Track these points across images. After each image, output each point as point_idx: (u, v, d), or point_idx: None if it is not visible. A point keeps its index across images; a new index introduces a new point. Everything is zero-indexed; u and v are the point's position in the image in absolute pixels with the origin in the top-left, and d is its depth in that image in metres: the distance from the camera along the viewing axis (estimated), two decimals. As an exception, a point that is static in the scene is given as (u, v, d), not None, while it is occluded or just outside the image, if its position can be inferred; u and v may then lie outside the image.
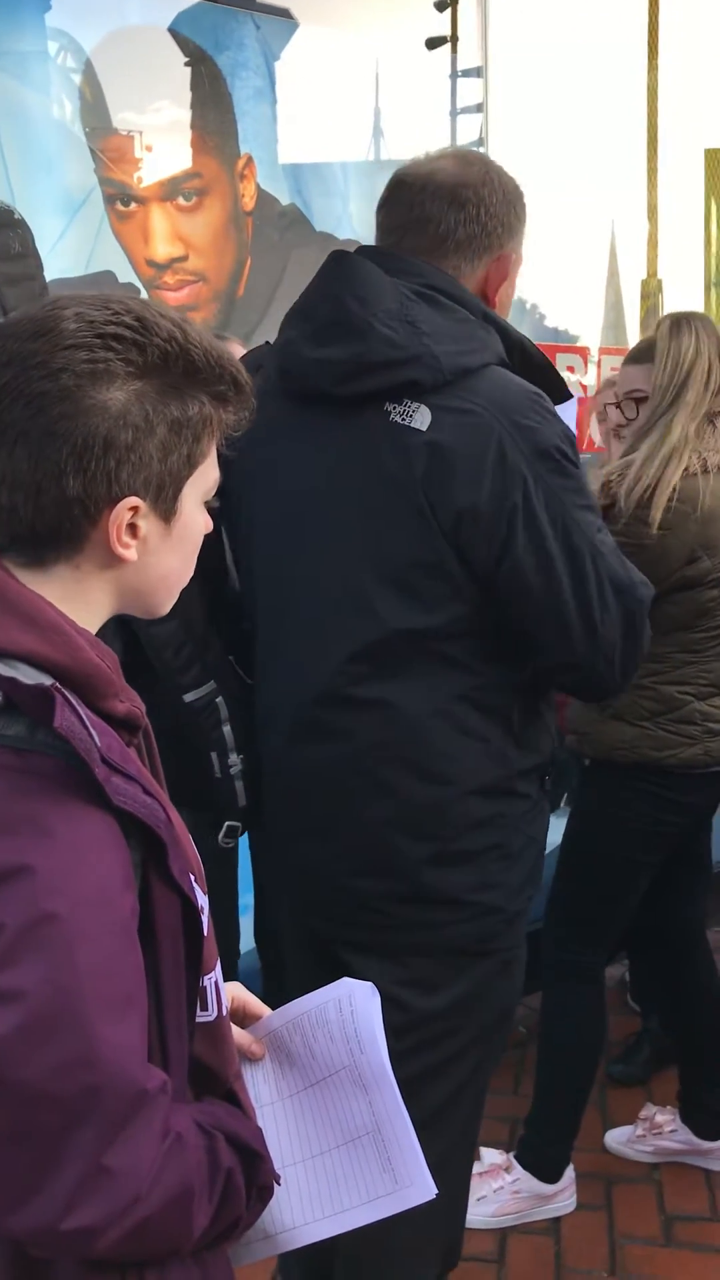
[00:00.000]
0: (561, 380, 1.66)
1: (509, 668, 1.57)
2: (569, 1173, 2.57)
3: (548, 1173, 2.54)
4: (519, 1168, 2.56)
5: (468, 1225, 2.55)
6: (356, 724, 1.54)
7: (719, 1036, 2.59)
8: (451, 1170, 1.72)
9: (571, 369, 3.35)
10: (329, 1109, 1.17)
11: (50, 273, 2.89)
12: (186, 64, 3.09)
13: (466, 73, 3.71)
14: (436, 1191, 1.22)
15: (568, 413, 1.65)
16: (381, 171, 3.52)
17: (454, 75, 3.72)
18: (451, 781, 1.54)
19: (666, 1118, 2.69)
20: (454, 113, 3.76)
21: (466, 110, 3.73)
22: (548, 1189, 2.53)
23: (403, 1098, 1.60)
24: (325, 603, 1.54)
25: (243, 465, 1.59)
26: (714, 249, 4.07)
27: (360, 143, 3.57)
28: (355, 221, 3.50)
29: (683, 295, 3.96)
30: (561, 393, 1.65)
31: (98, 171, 3.02)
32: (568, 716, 2.45)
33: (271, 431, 1.54)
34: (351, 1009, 1.15)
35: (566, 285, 3.54)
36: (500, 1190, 2.55)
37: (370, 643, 1.51)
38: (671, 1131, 2.64)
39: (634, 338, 3.86)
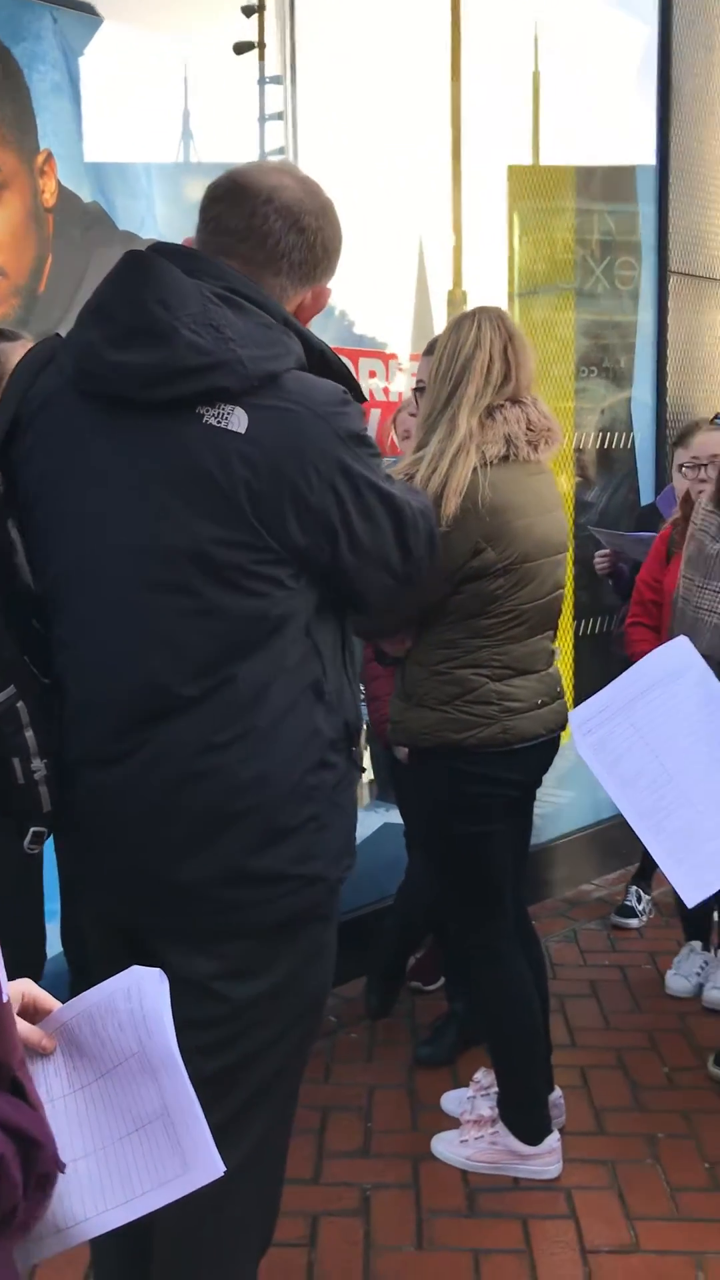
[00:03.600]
0: (359, 387, 1.72)
1: (322, 635, 1.63)
2: (552, 1140, 2.66)
3: (527, 1135, 2.64)
4: (503, 1125, 2.66)
5: (446, 1160, 2.70)
6: (176, 710, 1.56)
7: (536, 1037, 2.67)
8: (270, 1155, 1.75)
9: (374, 374, 3.43)
10: (119, 1097, 1.17)
11: None
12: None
13: (273, 79, 3.75)
14: (224, 1169, 1.24)
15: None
16: (189, 174, 3.54)
17: (262, 81, 3.76)
18: (270, 758, 1.57)
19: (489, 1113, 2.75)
20: (262, 119, 3.80)
21: (273, 117, 3.77)
22: (525, 1149, 2.64)
23: (223, 1085, 1.63)
24: (138, 601, 1.55)
25: (39, 466, 1.60)
26: (517, 262, 4.23)
27: (168, 144, 3.56)
28: (160, 222, 3.50)
29: (501, 303, 4.11)
30: (358, 396, 1.72)
31: None
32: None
33: (70, 432, 1.56)
34: (140, 995, 1.15)
35: (375, 294, 3.62)
36: (480, 1138, 2.68)
37: (191, 636, 1.54)
38: (494, 1134, 2.70)
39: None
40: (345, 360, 1.74)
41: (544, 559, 2.40)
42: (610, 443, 4.58)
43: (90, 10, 3.24)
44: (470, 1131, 2.71)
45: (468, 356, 2.33)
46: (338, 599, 1.67)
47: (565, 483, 4.38)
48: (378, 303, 3.63)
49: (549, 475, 2.49)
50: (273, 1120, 1.72)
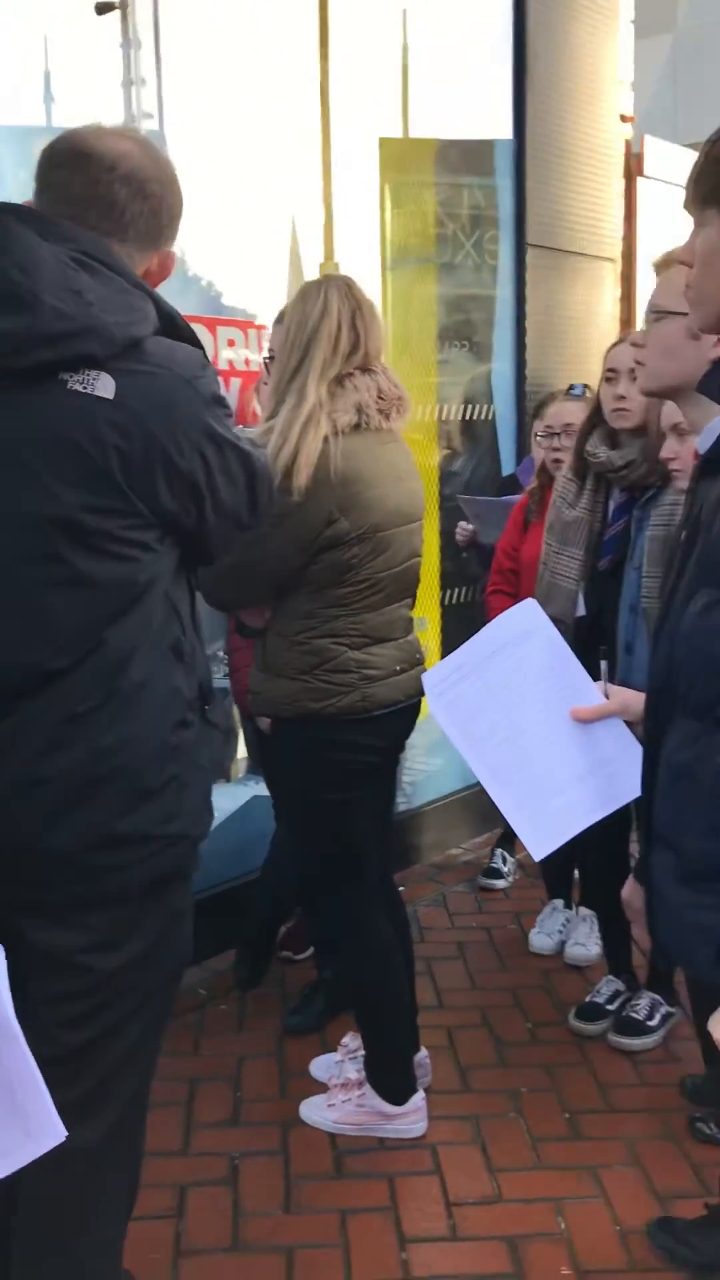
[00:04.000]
0: (204, 351, 1.72)
1: (179, 596, 1.64)
2: (417, 1099, 2.70)
3: (393, 1096, 2.68)
4: (369, 1087, 2.69)
5: (314, 1125, 2.72)
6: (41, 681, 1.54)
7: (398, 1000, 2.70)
8: (134, 1121, 1.76)
9: (233, 343, 3.39)
10: None
11: None
12: None
13: (137, 44, 3.66)
14: (66, 1134, 1.24)
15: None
16: (50, 137, 3.44)
17: (126, 45, 3.67)
18: (135, 721, 1.57)
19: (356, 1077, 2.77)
20: (127, 83, 3.71)
21: (139, 83, 3.69)
22: (391, 1109, 2.68)
23: (88, 1056, 1.62)
24: (4, 573, 1.52)
25: None
26: (389, 234, 4.24)
27: (30, 106, 3.45)
28: (11, 186, 3.40)
29: (360, 279, 4.09)
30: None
31: None
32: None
33: None
34: None
35: (245, 264, 3.57)
36: (348, 1101, 2.71)
37: (60, 602, 1.52)
38: (360, 1096, 2.74)
39: None
40: (201, 327, 1.76)
41: (398, 527, 2.42)
42: (473, 415, 4.63)
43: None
44: (337, 1095, 2.75)
45: (315, 325, 2.33)
46: (189, 558, 1.68)
47: (429, 454, 4.42)
48: (248, 273, 3.59)
49: (402, 444, 2.51)
50: (136, 1086, 1.73)
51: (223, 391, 1.65)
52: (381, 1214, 2.45)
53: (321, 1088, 2.84)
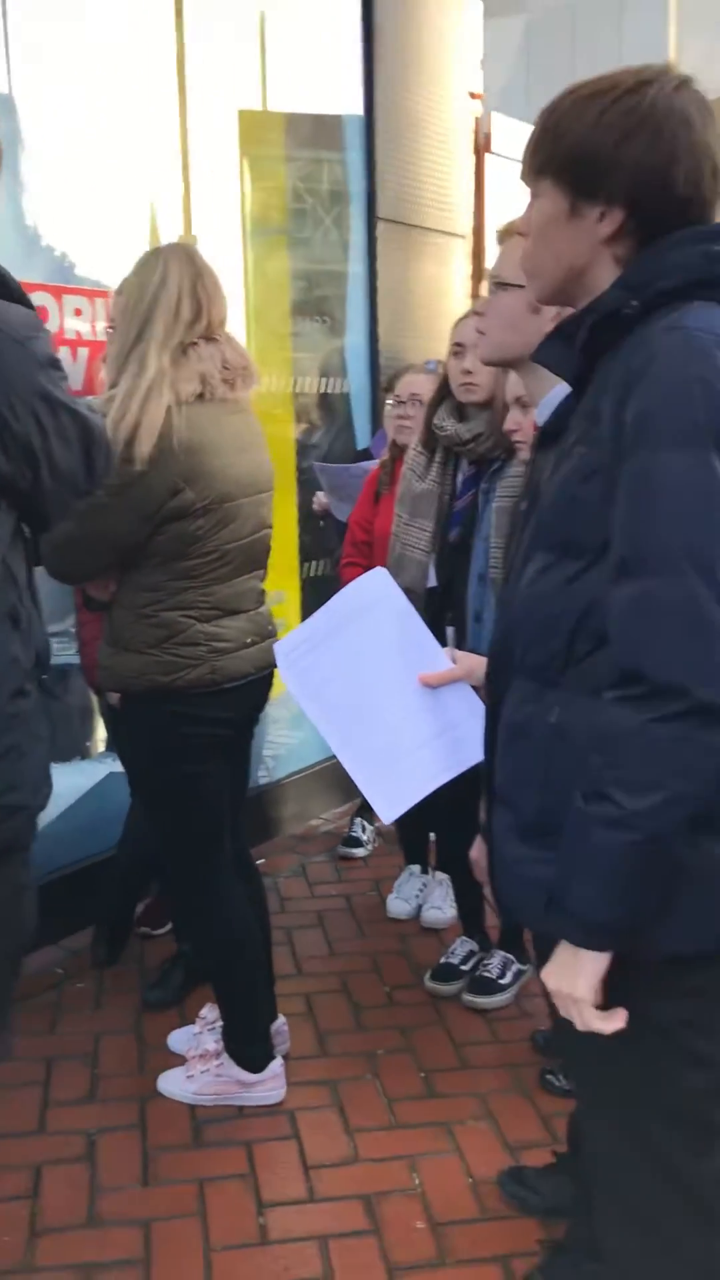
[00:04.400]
0: (35, 313, 1.70)
1: (16, 562, 1.61)
2: (275, 1066, 2.71)
3: (250, 1064, 2.69)
4: (227, 1057, 2.69)
5: (172, 1097, 2.72)
6: None
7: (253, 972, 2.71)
8: None
9: (80, 312, 3.32)
10: None
11: None
12: None
13: None
14: None
15: None
16: None
17: None
18: None
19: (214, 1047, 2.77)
20: None
21: None
22: (249, 1077, 2.69)
23: None
24: None
25: None
26: (247, 207, 4.20)
27: None
28: None
29: (219, 251, 4.06)
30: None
31: None
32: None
33: None
34: None
35: (99, 235, 3.48)
36: (206, 1072, 2.70)
37: None
38: (219, 1066, 2.74)
39: None
40: (47, 296, 1.72)
41: (245, 498, 2.42)
42: (328, 388, 4.64)
43: None
44: (195, 1066, 2.75)
45: (154, 294, 2.31)
46: (26, 523, 1.66)
47: (286, 427, 4.42)
48: (102, 244, 3.50)
49: (248, 414, 2.50)
50: None
51: (56, 354, 1.62)
52: (240, 1181, 2.47)
53: (180, 1061, 2.84)
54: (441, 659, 1.93)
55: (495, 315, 1.96)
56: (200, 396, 2.34)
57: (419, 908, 3.67)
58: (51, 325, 3.20)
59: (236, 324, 4.06)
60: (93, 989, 3.24)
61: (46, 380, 1.57)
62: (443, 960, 3.28)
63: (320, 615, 2.04)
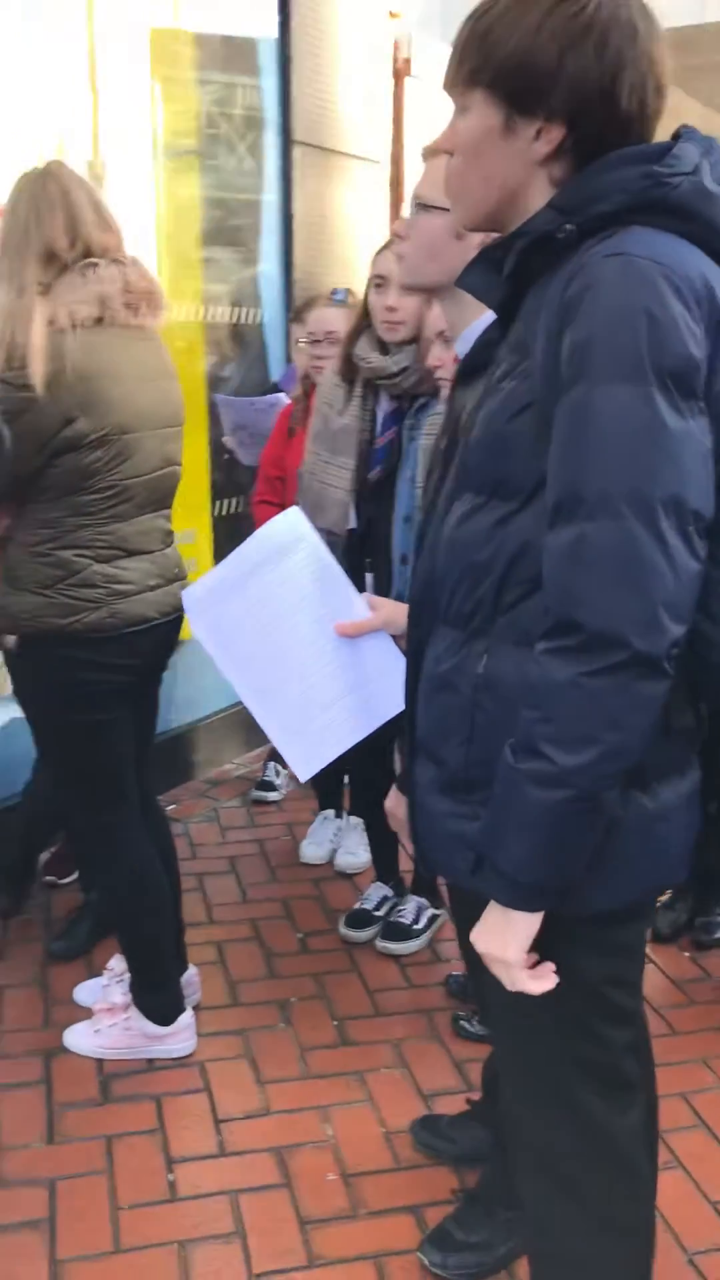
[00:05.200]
0: None
1: None
2: (185, 1019, 2.65)
3: (159, 1017, 2.62)
4: (135, 1009, 2.61)
5: (79, 1052, 2.64)
6: None
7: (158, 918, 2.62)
8: None
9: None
10: None
11: None
12: None
13: None
14: None
15: None
16: None
17: None
18: None
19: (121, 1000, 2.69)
20: None
21: None
22: (159, 1030, 2.62)
23: None
24: None
25: None
26: (159, 130, 4.00)
27: None
28: None
29: (130, 174, 3.86)
30: None
31: None
32: None
33: None
34: None
35: (7, 159, 3.27)
36: (114, 1025, 2.65)
37: None
38: (127, 1020, 2.66)
39: None
40: None
41: (147, 430, 2.29)
42: (240, 319, 4.48)
43: None
44: (103, 1020, 2.68)
45: (14, 217, 2.18)
46: None
47: (197, 359, 4.25)
48: (8, 166, 3.30)
49: (156, 343, 2.37)
50: None
51: None
52: (149, 1137, 2.41)
53: (87, 1014, 2.76)
54: (359, 607, 1.85)
55: (416, 239, 1.85)
56: (99, 321, 2.20)
57: (333, 853, 3.62)
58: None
59: (147, 252, 3.88)
60: (-4, 940, 3.14)
61: None
62: (357, 906, 3.24)
63: (232, 560, 1.93)
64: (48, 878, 3.40)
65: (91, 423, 2.19)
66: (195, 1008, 2.78)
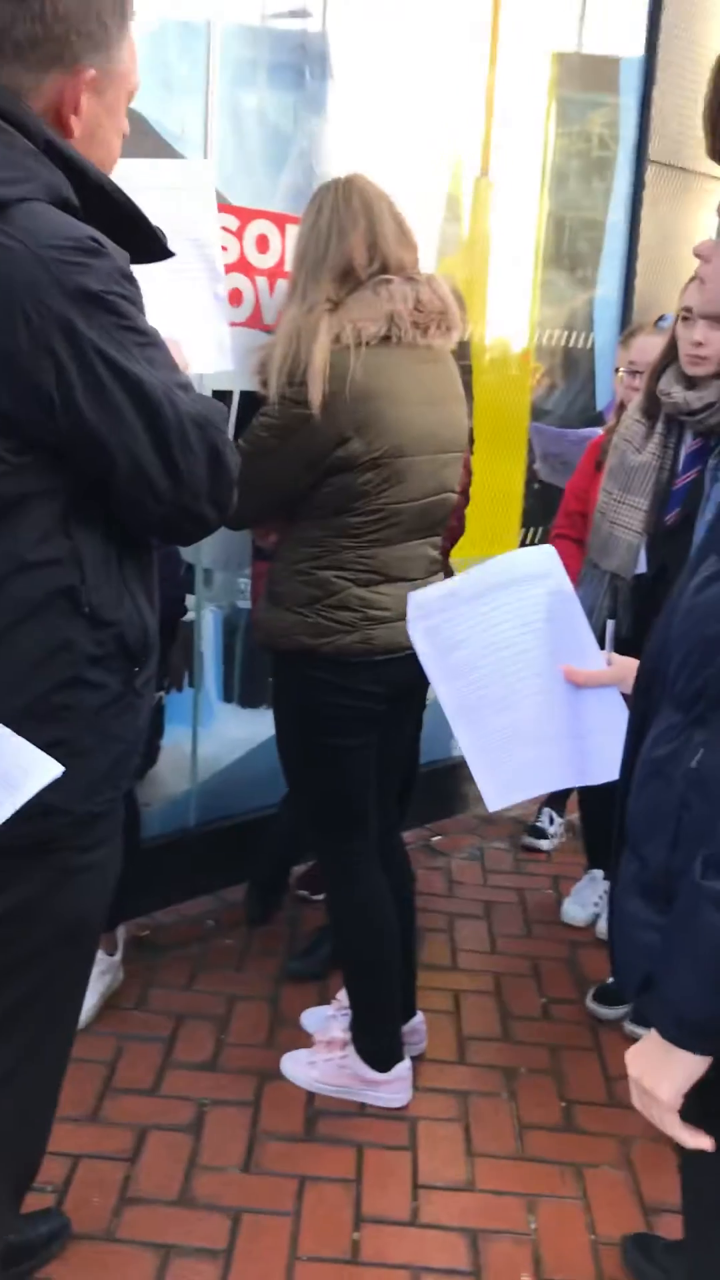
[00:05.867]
0: (155, 233, 1.47)
1: (86, 538, 1.40)
2: (402, 1068, 2.54)
3: (375, 1061, 2.52)
4: (353, 1049, 2.54)
5: (293, 1080, 2.58)
6: None
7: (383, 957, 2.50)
8: (21, 1085, 1.61)
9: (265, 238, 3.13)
10: None
11: None
12: None
13: None
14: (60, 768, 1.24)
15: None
16: (174, 29, 3.22)
17: None
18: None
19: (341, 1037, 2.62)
20: None
21: None
22: (374, 1075, 2.52)
23: None
24: None
25: None
26: (550, 153, 3.97)
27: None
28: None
29: (517, 195, 3.85)
30: (158, 249, 1.49)
31: None
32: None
33: None
34: None
35: (403, 176, 3.34)
36: (330, 1061, 2.57)
37: None
38: (343, 1058, 2.58)
39: (466, 233, 3.75)
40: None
41: (424, 455, 2.19)
42: (573, 343, 4.32)
43: None
44: (320, 1052, 2.61)
45: (313, 230, 2.13)
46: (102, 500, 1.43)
47: (523, 383, 4.13)
48: (407, 186, 3.36)
49: (444, 364, 2.27)
50: (25, 1050, 1.57)
51: (118, 291, 1.33)
52: (343, 1186, 2.30)
53: (309, 1041, 2.70)
54: (594, 656, 1.67)
55: (718, 263, 1.64)
56: (386, 339, 2.12)
57: (596, 916, 3.39)
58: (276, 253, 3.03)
59: (528, 270, 3.92)
60: (238, 947, 3.15)
61: (78, 315, 1.28)
62: (610, 981, 3.00)
63: (468, 576, 1.81)
64: (300, 891, 3.38)
65: (366, 444, 2.12)
66: (417, 1058, 2.65)
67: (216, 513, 1.50)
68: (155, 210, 1.47)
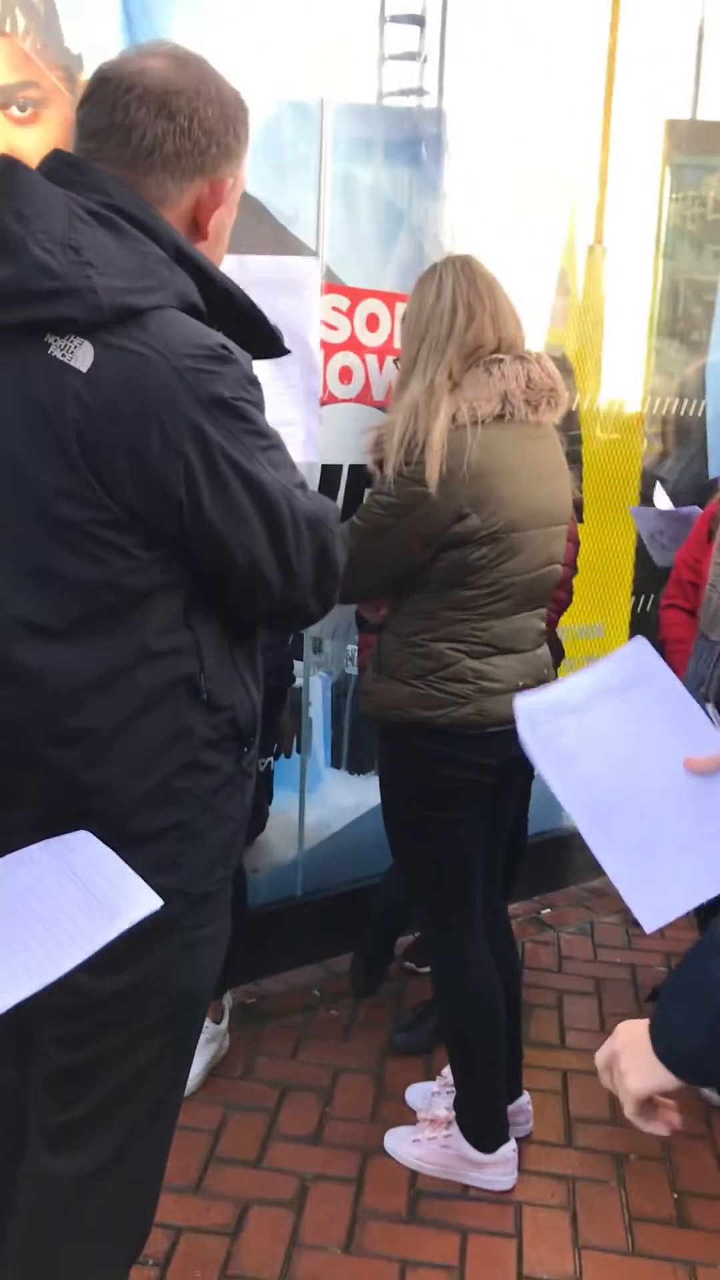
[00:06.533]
0: (273, 332, 1.52)
1: (205, 626, 1.43)
2: (507, 1150, 2.48)
3: (480, 1141, 2.47)
4: (457, 1128, 2.50)
5: (396, 1158, 2.54)
6: (12, 697, 1.39)
7: (490, 1033, 2.45)
8: (134, 1161, 1.61)
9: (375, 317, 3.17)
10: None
11: None
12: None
13: (399, 19, 3.56)
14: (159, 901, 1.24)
15: None
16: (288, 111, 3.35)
17: (382, 20, 3.57)
18: (120, 758, 1.40)
19: (444, 1115, 2.58)
20: (382, 59, 3.61)
21: (398, 57, 3.59)
22: (479, 1156, 2.47)
23: (81, 1080, 1.52)
24: None
25: None
26: (665, 219, 4.01)
27: (301, 81, 3.36)
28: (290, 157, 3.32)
29: (630, 262, 3.89)
30: (275, 346, 1.53)
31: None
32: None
33: None
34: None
35: (516, 248, 3.40)
36: (433, 1140, 2.53)
37: (31, 600, 1.36)
38: (447, 1137, 2.54)
39: (580, 301, 3.80)
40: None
41: (536, 529, 2.20)
42: (685, 410, 4.29)
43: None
44: (425, 1131, 2.56)
45: (435, 309, 2.15)
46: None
47: (634, 451, 4.12)
48: (520, 254, 3.42)
49: (551, 440, 2.27)
50: (137, 1123, 1.57)
51: (244, 396, 1.36)
52: (445, 1273, 2.25)
53: (414, 1117, 2.66)
54: (714, 741, 1.62)
55: None
56: (499, 417, 2.14)
57: (710, 996, 3.27)
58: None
59: (641, 336, 3.96)
60: (344, 1018, 3.13)
61: (208, 420, 1.31)
62: (725, 1064, 2.89)
63: (570, 682, 1.78)
64: (407, 963, 3.35)
65: (482, 519, 2.13)
66: (523, 1139, 2.59)
67: (319, 606, 1.53)
68: (262, 304, 1.51)
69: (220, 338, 1.36)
